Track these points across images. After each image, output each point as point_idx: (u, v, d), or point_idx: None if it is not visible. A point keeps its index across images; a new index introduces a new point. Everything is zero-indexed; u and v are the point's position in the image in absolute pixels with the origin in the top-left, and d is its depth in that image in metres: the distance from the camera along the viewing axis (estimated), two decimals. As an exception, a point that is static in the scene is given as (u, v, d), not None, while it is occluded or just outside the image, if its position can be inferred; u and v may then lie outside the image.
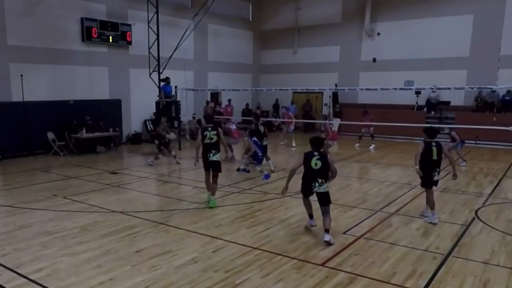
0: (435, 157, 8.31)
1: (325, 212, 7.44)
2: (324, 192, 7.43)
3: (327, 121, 17.12)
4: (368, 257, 6.64)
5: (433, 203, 8.53)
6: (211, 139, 9.46)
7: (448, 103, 21.10)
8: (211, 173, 9.56)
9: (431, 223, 8.33)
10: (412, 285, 5.72)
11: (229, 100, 24.21)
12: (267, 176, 12.34)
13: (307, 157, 7.50)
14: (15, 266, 6.20)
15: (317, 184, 7.38)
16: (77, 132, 16.91)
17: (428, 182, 8.52)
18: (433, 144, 8.38)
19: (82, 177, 12.60)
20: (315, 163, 7.41)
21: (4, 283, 5.71)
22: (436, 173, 8.46)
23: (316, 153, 7.48)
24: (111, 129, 17.96)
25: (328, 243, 7.12)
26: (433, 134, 8.59)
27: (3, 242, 7.22)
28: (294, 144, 19.09)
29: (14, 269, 6.11)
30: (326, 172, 7.48)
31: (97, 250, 6.86)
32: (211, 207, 9.35)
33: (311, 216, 8.00)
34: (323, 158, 7.46)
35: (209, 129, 9.54)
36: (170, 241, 7.33)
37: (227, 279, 5.84)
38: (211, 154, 9.40)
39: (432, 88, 17.91)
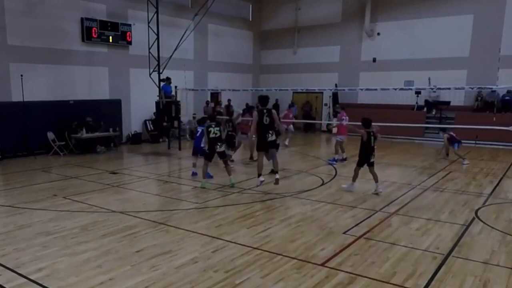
0: None
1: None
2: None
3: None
4: (368, 257, 6.60)
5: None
6: (215, 134, 11.08)
7: (448, 103, 21.07)
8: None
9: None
10: (412, 285, 5.68)
11: (229, 100, 24.18)
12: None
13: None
14: (15, 266, 6.17)
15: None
16: (77, 132, 16.89)
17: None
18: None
19: (82, 177, 12.59)
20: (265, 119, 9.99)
21: (4, 283, 5.68)
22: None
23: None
24: (111, 129, 17.93)
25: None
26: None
27: (3, 242, 7.20)
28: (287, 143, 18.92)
29: (14, 269, 6.08)
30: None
31: (97, 250, 6.83)
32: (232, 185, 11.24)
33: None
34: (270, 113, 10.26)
35: (213, 125, 11.15)
36: (170, 241, 7.30)
37: (227, 279, 5.81)
38: (218, 146, 11.14)
39: (432, 88, 17.94)
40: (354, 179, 10.85)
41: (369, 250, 6.93)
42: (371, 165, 10.63)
